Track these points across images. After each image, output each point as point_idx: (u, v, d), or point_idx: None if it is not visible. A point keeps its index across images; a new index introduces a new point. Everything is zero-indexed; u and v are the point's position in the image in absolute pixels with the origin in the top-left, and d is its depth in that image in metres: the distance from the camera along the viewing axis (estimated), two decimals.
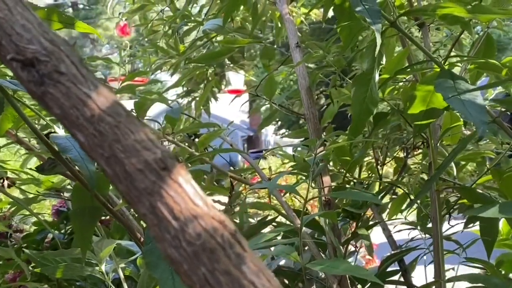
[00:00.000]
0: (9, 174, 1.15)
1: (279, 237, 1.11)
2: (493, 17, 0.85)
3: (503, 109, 1.09)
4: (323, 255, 1.13)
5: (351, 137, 0.91)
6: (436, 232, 1.01)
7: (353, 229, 1.06)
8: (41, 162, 0.93)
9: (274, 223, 1.28)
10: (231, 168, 1.64)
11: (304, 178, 0.99)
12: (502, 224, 1.36)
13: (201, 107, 1.57)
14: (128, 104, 1.29)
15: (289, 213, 1.02)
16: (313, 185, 1.18)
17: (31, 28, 0.30)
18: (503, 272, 1.25)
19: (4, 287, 1.29)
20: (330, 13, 1.11)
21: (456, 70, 1.33)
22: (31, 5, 0.77)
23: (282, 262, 1.25)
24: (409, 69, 0.97)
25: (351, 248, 1.61)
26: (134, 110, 1.22)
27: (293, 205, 2.48)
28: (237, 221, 1.38)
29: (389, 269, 1.27)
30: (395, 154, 1.53)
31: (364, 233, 0.99)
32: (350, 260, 1.69)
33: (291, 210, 1.02)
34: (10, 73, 0.81)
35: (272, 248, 1.06)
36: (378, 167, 1.42)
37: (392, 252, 1.35)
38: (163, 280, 0.56)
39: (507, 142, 1.24)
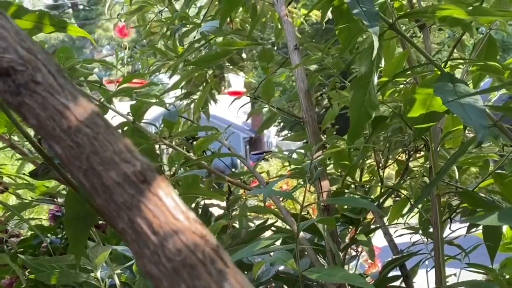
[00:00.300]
0: (5, 179, 1.14)
1: (278, 242, 1.11)
2: (493, 19, 0.85)
3: None
4: (323, 261, 1.13)
5: (350, 142, 0.90)
6: (436, 237, 1.00)
7: (352, 235, 1.06)
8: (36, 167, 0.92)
9: (274, 227, 1.27)
10: (233, 170, 1.63)
11: (302, 182, 0.99)
12: (506, 227, 1.35)
13: (200, 110, 1.57)
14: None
15: (287, 218, 1.01)
16: (312, 189, 1.17)
17: (7, 36, 0.29)
18: (507, 277, 1.24)
19: None
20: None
21: (458, 72, 1.32)
22: (24, 9, 0.77)
23: (281, 268, 1.25)
24: (408, 72, 0.97)
25: (352, 252, 1.60)
26: (130, 113, 1.22)
27: (294, 208, 2.47)
28: (236, 225, 1.38)
29: (390, 274, 1.26)
30: (397, 157, 1.52)
31: (363, 239, 0.98)
32: (352, 264, 1.69)
33: (290, 215, 1.02)
34: None
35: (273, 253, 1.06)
36: (379, 170, 1.41)
37: (394, 257, 1.34)
38: None
39: (511, 144, 1.23)
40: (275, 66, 1.39)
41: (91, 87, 1.30)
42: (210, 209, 1.46)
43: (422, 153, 1.47)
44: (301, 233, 1.06)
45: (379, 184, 1.38)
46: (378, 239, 1.51)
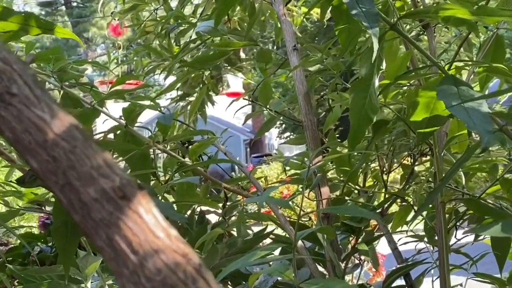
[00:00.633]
0: None
1: (277, 251, 1.10)
2: (499, 19, 0.84)
3: None
4: (323, 270, 1.12)
5: (350, 147, 0.90)
6: (441, 245, 1.00)
7: (354, 244, 1.05)
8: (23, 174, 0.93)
9: (273, 236, 1.27)
10: (232, 173, 1.63)
11: (301, 189, 0.98)
12: None
13: (196, 112, 1.57)
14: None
15: (286, 226, 1.01)
16: (313, 195, 1.17)
17: None
18: None
19: None
20: None
21: (464, 72, 1.32)
22: (10, 11, 0.77)
23: (280, 278, 1.24)
24: (411, 74, 0.96)
25: (355, 260, 1.60)
26: (122, 117, 1.21)
27: (296, 214, 2.46)
28: (234, 232, 1.37)
29: (394, 284, 1.26)
30: (402, 161, 1.52)
31: (364, 248, 0.98)
32: (356, 272, 1.68)
33: (288, 223, 1.02)
34: None
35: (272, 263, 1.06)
36: (384, 175, 1.41)
37: (398, 266, 1.33)
38: None
39: None
40: (274, 67, 1.39)
41: (83, 89, 1.30)
42: (208, 215, 1.46)
43: (429, 157, 1.47)
44: (301, 242, 1.06)
45: (383, 189, 1.38)
46: (384, 246, 1.51)
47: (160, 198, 1.10)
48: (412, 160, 1.51)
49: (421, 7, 1.15)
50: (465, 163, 1.21)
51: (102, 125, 1.48)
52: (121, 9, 1.88)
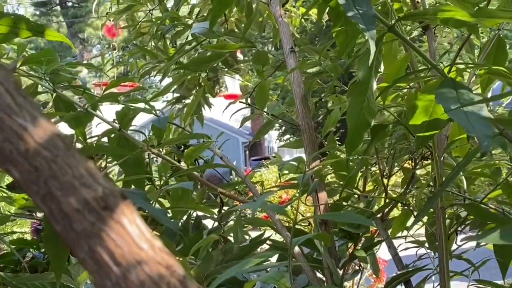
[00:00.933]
0: None
1: (275, 257, 1.10)
2: (499, 21, 0.84)
3: None
4: (321, 276, 1.12)
5: (348, 151, 0.90)
6: (441, 251, 1.00)
7: (352, 250, 1.05)
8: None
9: (270, 241, 1.27)
10: (231, 176, 1.63)
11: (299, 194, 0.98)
12: None
13: (192, 115, 1.57)
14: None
15: (282, 232, 1.01)
16: (311, 199, 1.17)
17: None
18: None
19: None
20: None
21: (466, 74, 1.32)
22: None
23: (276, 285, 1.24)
24: (410, 77, 0.96)
25: (355, 266, 1.60)
26: (116, 120, 1.21)
27: (296, 219, 2.46)
28: (231, 238, 1.37)
29: None
30: (403, 164, 1.52)
31: (362, 255, 0.98)
32: (356, 278, 1.68)
33: (285, 229, 1.02)
34: None
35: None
36: (384, 179, 1.41)
37: (398, 272, 1.33)
38: None
39: None
40: (271, 69, 1.39)
41: (77, 92, 1.30)
42: (206, 221, 1.46)
43: (430, 160, 1.47)
44: (299, 248, 1.06)
45: (384, 193, 1.38)
46: (385, 252, 1.51)
47: (154, 203, 1.10)
48: (413, 164, 1.51)
49: (421, 8, 1.15)
50: (465, 168, 1.21)
51: (95, 128, 1.48)
52: (116, 9, 1.88)
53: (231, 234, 1.35)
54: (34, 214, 1.13)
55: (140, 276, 0.25)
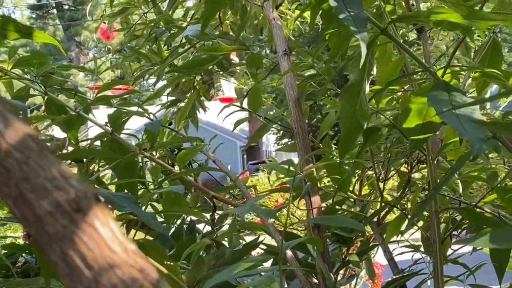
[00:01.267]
0: None
1: (269, 262, 1.10)
2: (491, 23, 0.84)
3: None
4: (315, 280, 1.12)
5: (341, 155, 0.90)
6: (436, 255, 1.00)
7: (345, 254, 1.05)
8: None
9: (264, 245, 1.26)
10: (228, 180, 1.62)
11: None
12: None
13: (185, 119, 1.56)
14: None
15: (275, 236, 1.01)
16: (304, 204, 1.17)
17: None
18: None
19: None
20: None
21: (462, 78, 1.32)
22: None
23: None
24: (403, 80, 0.96)
25: (349, 272, 1.59)
26: (108, 123, 1.21)
27: (291, 222, 2.46)
28: (225, 242, 1.37)
29: None
30: (399, 168, 1.52)
31: (354, 259, 0.97)
32: (353, 283, 1.68)
33: (278, 233, 1.01)
34: None
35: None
36: (379, 182, 1.41)
37: (394, 277, 1.33)
38: None
39: None
40: (266, 72, 1.39)
41: (69, 95, 1.30)
42: (201, 225, 1.46)
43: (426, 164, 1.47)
44: (291, 252, 1.06)
45: (379, 197, 1.38)
46: (383, 256, 1.51)
47: (146, 207, 1.10)
48: (409, 168, 1.51)
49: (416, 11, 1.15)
50: (461, 171, 1.21)
51: (91, 131, 1.47)
52: (110, 12, 1.88)
53: (226, 239, 1.34)
54: None
55: (112, 280, 0.25)
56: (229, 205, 1.40)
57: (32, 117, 1.09)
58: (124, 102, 1.34)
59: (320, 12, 0.94)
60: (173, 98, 1.85)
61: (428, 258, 1.38)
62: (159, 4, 1.81)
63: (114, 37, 2.56)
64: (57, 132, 1.44)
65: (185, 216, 1.42)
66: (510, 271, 1.50)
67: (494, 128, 0.71)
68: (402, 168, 1.53)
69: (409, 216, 1.18)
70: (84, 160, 1.16)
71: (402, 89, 1.23)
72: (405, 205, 1.36)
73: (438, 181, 1.07)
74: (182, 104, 1.83)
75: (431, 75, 0.85)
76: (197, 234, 1.40)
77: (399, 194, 1.46)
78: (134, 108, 1.26)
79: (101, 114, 1.33)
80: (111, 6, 1.65)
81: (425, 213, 1.21)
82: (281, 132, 15.84)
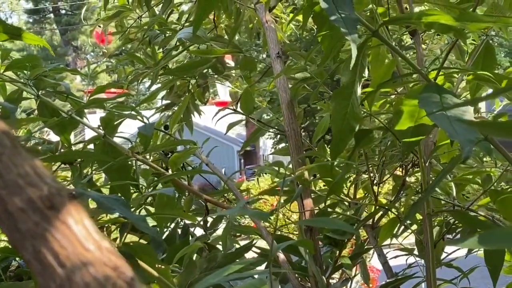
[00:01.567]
0: None
1: (263, 266, 1.09)
2: (483, 25, 0.84)
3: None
4: (308, 283, 1.11)
5: (332, 157, 0.89)
6: (428, 258, 0.99)
7: (337, 257, 1.05)
8: None
9: (257, 249, 1.26)
10: (223, 184, 1.61)
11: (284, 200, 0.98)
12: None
13: (178, 122, 1.56)
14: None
15: (268, 239, 1.00)
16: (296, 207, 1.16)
17: None
18: None
19: None
20: None
21: (455, 81, 1.32)
22: None
23: None
24: (395, 82, 0.96)
25: (345, 275, 1.59)
26: (101, 126, 1.21)
27: (286, 226, 2.45)
28: (219, 246, 1.36)
29: None
30: (394, 172, 1.52)
31: (347, 262, 0.97)
32: (348, 286, 1.67)
33: (270, 236, 1.01)
34: None
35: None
36: (373, 186, 1.40)
37: (387, 280, 1.33)
38: None
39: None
40: (259, 75, 1.39)
41: (62, 98, 1.30)
42: (195, 229, 1.45)
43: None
44: (283, 255, 1.05)
45: (374, 200, 1.37)
46: (377, 261, 1.50)
47: (139, 210, 1.09)
48: (403, 171, 1.51)
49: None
50: (455, 174, 1.20)
51: (87, 134, 1.46)
52: (105, 16, 1.88)
53: (220, 242, 1.34)
54: None
55: (85, 278, 0.25)
56: (223, 209, 1.39)
57: (23, 120, 1.08)
58: (119, 106, 1.34)
59: (312, 15, 0.94)
60: (168, 101, 1.85)
61: (422, 262, 1.38)
62: (153, 7, 1.81)
63: (110, 41, 2.56)
64: (52, 136, 1.44)
65: (179, 220, 1.42)
66: (506, 275, 1.50)
67: (485, 129, 0.71)
68: (397, 172, 1.53)
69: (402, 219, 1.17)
70: (76, 162, 1.15)
71: (396, 92, 1.23)
72: (399, 209, 1.35)
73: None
74: (177, 108, 1.83)
75: (422, 77, 0.84)
76: (190, 238, 1.39)
77: (394, 197, 1.46)
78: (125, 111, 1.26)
79: (98, 118, 1.33)
80: (105, 9, 1.65)
81: (420, 216, 1.21)
82: (278, 136, 15.83)
